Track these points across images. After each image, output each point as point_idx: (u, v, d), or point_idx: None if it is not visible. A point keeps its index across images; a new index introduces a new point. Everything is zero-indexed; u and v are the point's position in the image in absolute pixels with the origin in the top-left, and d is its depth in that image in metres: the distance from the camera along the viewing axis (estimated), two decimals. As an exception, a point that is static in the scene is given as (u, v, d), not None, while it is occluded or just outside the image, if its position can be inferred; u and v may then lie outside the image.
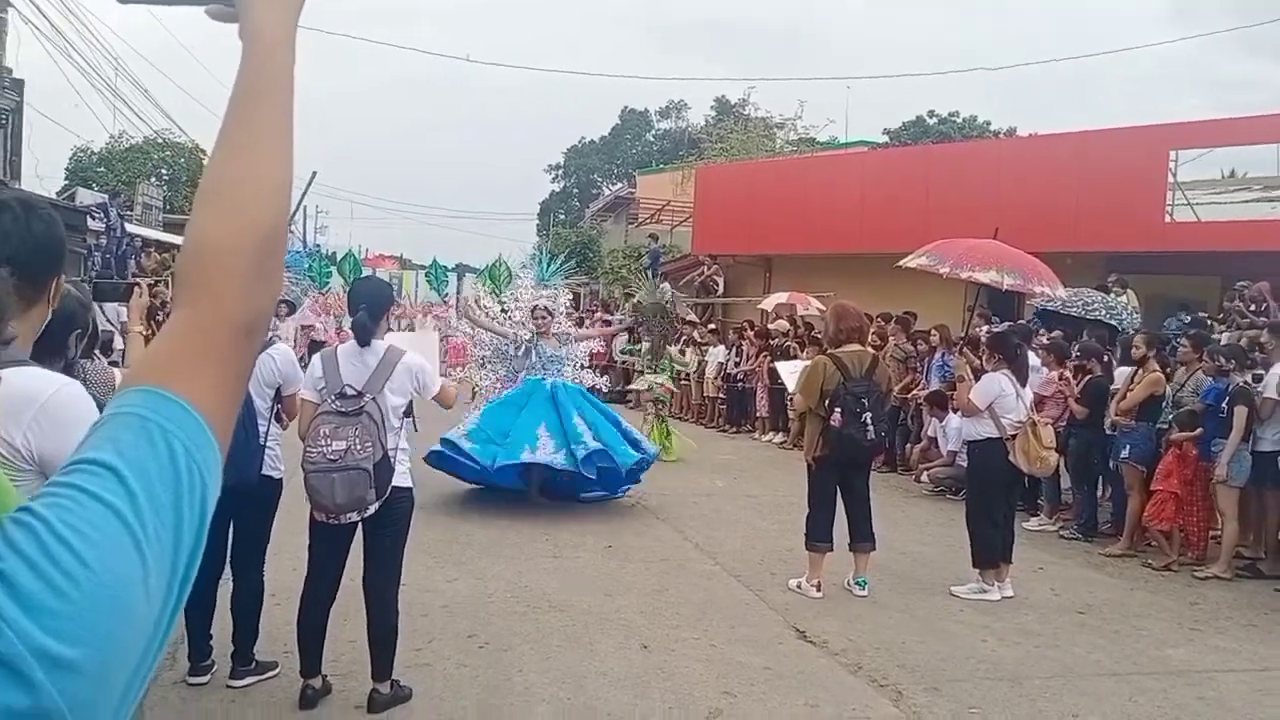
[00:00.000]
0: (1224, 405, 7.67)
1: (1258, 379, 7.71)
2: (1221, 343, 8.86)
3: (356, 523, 4.22)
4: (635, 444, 9.19)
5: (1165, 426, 8.22)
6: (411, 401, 4.70)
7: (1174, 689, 5.11)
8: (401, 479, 4.30)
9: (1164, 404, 8.26)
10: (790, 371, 8.33)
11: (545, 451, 8.49)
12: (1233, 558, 7.64)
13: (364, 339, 4.32)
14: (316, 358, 4.46)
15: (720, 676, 4.95)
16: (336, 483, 4.01)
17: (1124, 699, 4.94)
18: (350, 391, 4.18)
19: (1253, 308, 11.34)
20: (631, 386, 15.68)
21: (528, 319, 9.56)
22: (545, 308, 9.51)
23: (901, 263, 8.10)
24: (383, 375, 4.25)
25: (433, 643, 5.23)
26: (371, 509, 4.11)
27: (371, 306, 4.37)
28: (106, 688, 0.63)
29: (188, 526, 0.70)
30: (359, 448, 4.03)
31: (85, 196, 19.47)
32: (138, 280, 3.98)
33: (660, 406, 12.89)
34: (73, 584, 0.61)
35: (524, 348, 9.45)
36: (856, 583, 6.59)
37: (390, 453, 4.17)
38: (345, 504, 4.06)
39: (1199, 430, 7.81)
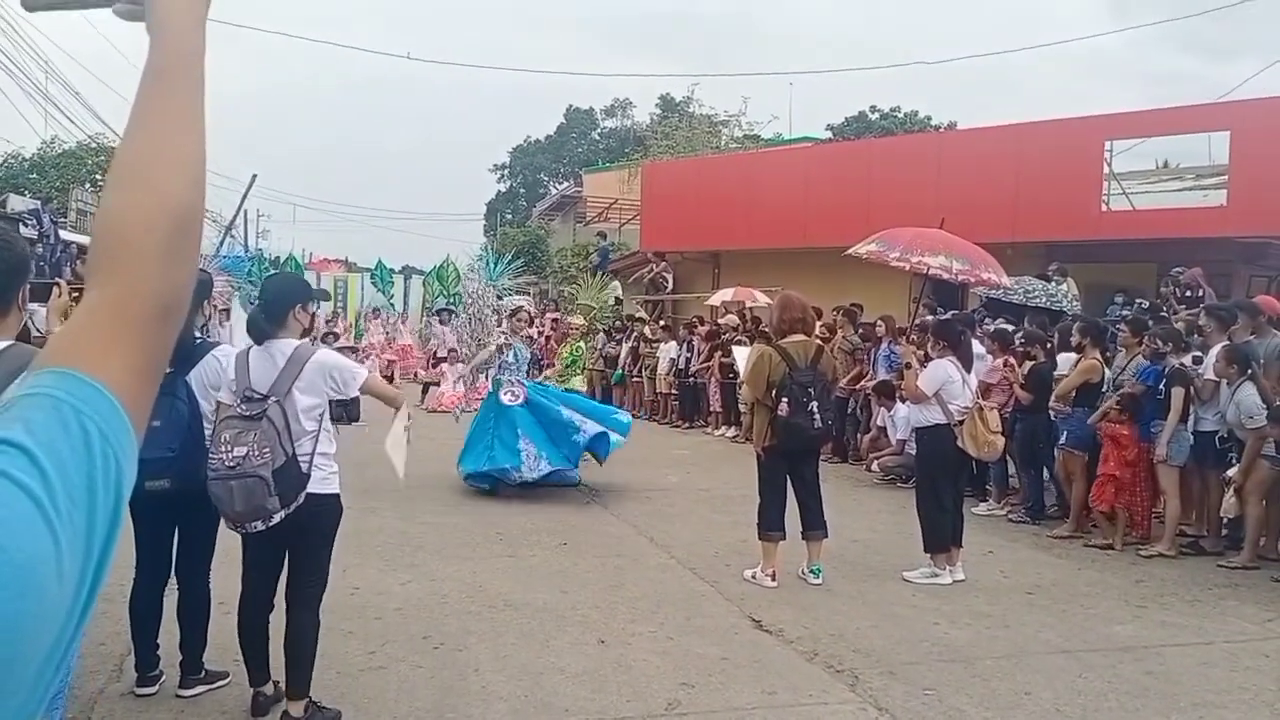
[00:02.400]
0: (1162, 387, 7.86)
1: (1198, 361, 7.90)
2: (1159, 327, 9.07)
3: (280, 529, 4.00)
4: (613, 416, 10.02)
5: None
6: (356, 401, 4.61)
7: (1121, 664, 5.22)
8: (323, 485, 4.09)
9: (1104, 389, 8.42)
10: (744, 356, 8.41)
11: (530, 465, 8.95)
12: (1176, 536, 7.82)
13: (257, 338, 4.14)
14: (231, 357, 4.29)
15: (678, 668, 4.96)
16: (235, 490, 3.84)
17: (1074, 675, 5.04)
18: (254, 395, 4.00)
19: (1188, 293, 11.65)
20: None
21: (504, 320, 9.76)
22: (528, 311, 9.59)
23: (850, 251, 8.16)
24: (290, 375, 4.05)
25: (386, 645, 5.16)
26: (277, 518, 3.90)
27: (269, 305, 4.20)
28: (15, 672, 0.61)
29: (102, 510, 0.69)
30: (256, 454, 3.84)
31: (17, 203, 18.96)
32: (57, 280, 3.85)
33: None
34: None
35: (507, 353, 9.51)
36: (811, 571, 6.64)
37: (303, 458, 3.99)
38: (245, 512, 3.87)
39: (1125, 416, 7.94)
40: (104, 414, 0.72)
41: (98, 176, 31.90)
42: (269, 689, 4.28)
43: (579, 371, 12.64)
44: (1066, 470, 8.62)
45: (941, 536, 6.81)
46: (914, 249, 7.74)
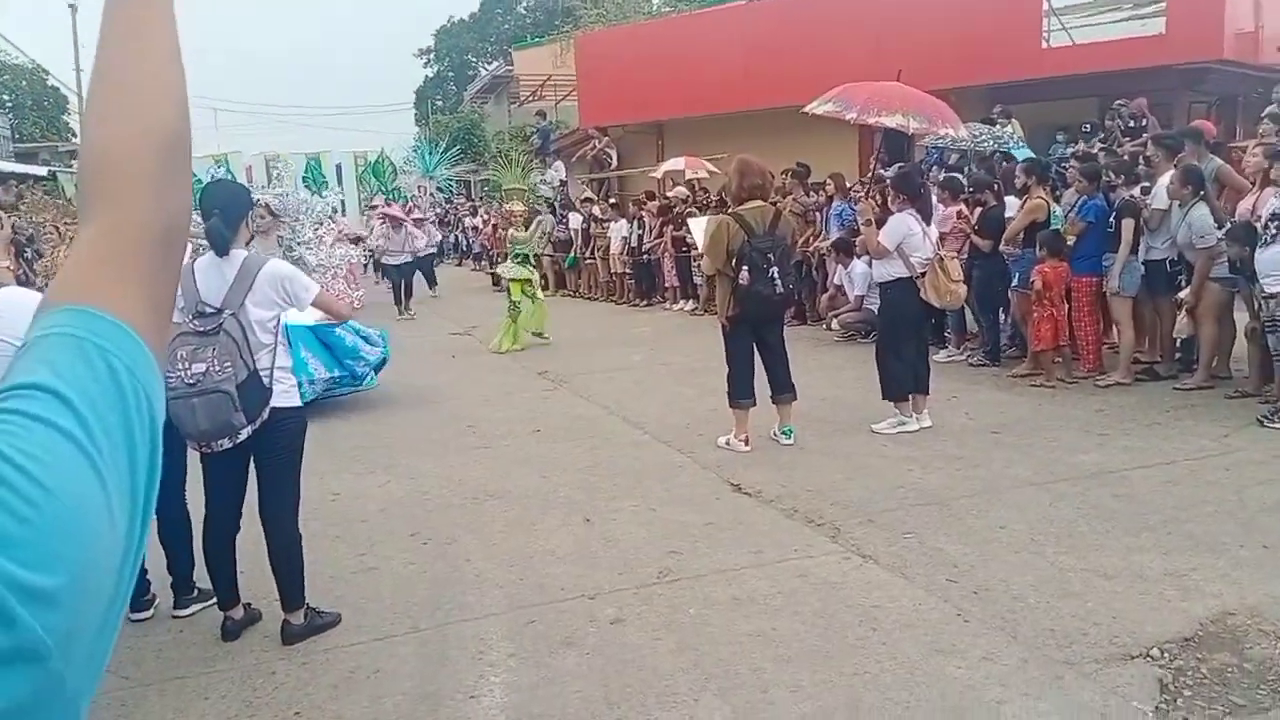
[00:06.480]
0: (1111, 219, 7.94)
1: (1146, 191, 7.95)
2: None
3: (244, 447, 3.91)
4: (358, 358, 8.49)
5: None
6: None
7: (1090, 490, 5.42)
8: (285, 399, 4.00)
9: (1053, 227, 8.47)
10: (700, 228, 8.30)
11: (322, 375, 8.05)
12: (1131, 364, 8.03)
13: (221, 248, 3.96)
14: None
15: (664, 538, 5.06)
16: (198, 408, 3.71)
17: (1045, 505, 5.22)
18: (208, 309, 3.87)
19: (1132, 124, 11.69)
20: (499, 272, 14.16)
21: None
22: (266, 204, 9.01)
23: (807, 108, 7.97)
24: (242, 287, 3.90)
25: (375, 546, 5.20)
26: (244, 433, 3.81)
27: (226, 212, 4.01)
28: (84, 619, 0.58)
29: (140, 447, 0.65)
30: (218, 369, 3.72)
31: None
32: None
33: (520, 299, 11.79)
34: (34, 509, 0.56)
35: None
36: (782, 432, 6.75)
37: (263, 372, 3.89)
38: (210, 430, 3.76)
39: (1043, 253, 8.04)
40: (127, 349, 0.68)
41: (4, 97, 30.38)
42: (238, 613, 4.21)
43: (525, 259, 12.02)
44: (1021, 310, 8.76)
45: (901, 385, 6.92)
46: (871, 107, 7.59)
